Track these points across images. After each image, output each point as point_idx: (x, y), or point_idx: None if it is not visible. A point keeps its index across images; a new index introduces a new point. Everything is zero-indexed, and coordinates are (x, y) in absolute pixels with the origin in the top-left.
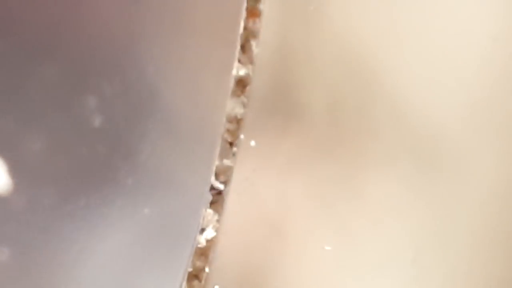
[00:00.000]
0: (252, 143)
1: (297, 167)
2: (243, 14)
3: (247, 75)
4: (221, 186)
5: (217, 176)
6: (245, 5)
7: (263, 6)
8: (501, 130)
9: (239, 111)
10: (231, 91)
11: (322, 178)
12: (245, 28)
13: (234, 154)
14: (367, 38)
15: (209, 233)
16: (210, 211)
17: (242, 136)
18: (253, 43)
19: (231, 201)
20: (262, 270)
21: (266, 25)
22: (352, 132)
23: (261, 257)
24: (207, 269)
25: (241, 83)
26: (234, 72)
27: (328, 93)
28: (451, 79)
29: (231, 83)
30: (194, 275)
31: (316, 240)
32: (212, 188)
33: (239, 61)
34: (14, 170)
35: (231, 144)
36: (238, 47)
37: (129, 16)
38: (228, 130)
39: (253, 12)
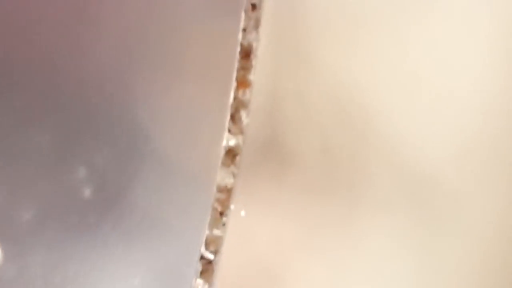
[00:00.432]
0: (243, 213)
1: (291, 217)
2: (233, 84)
3: (237, 145)
4: (211, 256)
5: (207, 246)
6: (235, 75)
7: (253, 77)
8: (497, 175)
9: (229, 181)
10: (221, 161)
11: (316, 226)
12: (235, 98)
13: (224, 224)
14: (359, 82)
15: None
16: (200, 281)
17: (232, 206)
18: (243, 113)
19: (221, 270)
20: None
21: (256, 81)
22: (346, 177)
23: None
24: None
25: (231, 153)
26: (224, 142)
27: (321, 140)
28: (446, 123)
29: (221, 154)
30: None
31: None
32: (202, 257)
33: (229, 131)
34: (5, 239)
35: (221, 213)
36: (228, 117)
37: (120, 92)
38: (218, 200)
39: (243, 82)
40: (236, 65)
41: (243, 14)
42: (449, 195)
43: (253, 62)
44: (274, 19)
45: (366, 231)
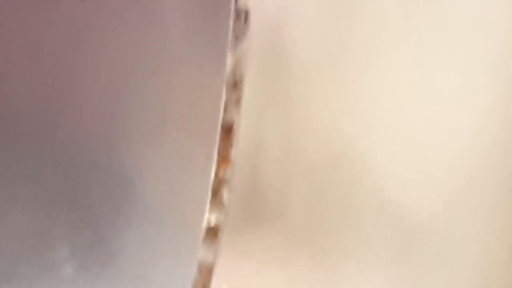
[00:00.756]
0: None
1: (278, 271)
2: (214, 162)
3: (218, 224)
4: None
5: None
6: (216, 152)
7: (233, 154)
8: (485, 223)
9: (210, 259)
10: (202, 239)
11: (304, 276)
12: (216, 176)
13: None
14: (347, 129)
15: None
16: None
17: (214, 283)
18: (225, 191)
19: None
20: None
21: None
22: (332, 225)
23: None
24: None
25: (212, 231)
26: (205, 220)
27: (308, 191)
28: (435, 172)
29: (202, 232)
30: None
31: None
32: None
33: (210, 209)
34: None
35: None
36: (209, 196)
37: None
38: (200, 277)
39: (224, 160)
40: (217, 142)
41: (224, 92)
42: (438, 244)
43: (234, 140)
44: (257, 91)
45: (354, 283)
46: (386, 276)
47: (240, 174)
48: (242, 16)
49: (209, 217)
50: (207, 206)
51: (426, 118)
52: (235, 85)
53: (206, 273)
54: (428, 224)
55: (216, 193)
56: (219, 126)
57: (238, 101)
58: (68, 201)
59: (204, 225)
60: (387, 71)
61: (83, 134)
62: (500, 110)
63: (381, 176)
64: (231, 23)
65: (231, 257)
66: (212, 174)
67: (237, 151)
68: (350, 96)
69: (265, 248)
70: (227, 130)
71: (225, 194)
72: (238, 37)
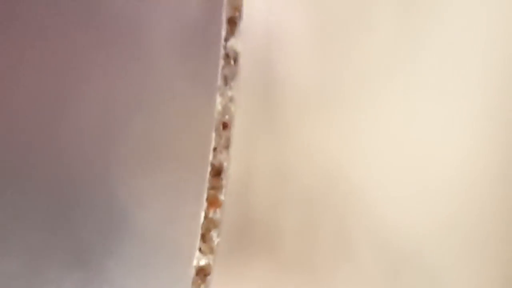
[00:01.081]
0: None
1: None
2: (204, 204)
3: (208, 264)
4: None
5: None
6: (205, 195)
7: (223, 197)
8: (476, 252)
9: None
10: (192, 282)
11: None
12: (205, 218)
13: None
14: (339, 158)
15: None
16: None
17: None
18: (214, 233)
19: None
20: None
21: (233, 157)
22: (324, 253)
23: None
24: None
25: (202, 273)
26: (194, 262)
27: (300, 219)
28: (425, 196)
29: (192, 274)
30: None
31: None
32: None
33: (200, 250)
34: None
35: None
36: (199, 237)
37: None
38: None
39: (214, 202)
40: (206, 184)
41: (213, 133)
42: (428, 269)
43: (224, 182)
44: (247, 132)
45: None
46: None
47: (230, 219)
48: (231, 57)
49: (199, 258)
50: (197, 247)
51: (418, 144)
52: (225, 126)
53: None
54: (421, 248)
55: (205, 234)
56: (209, 168)
57: (227, 143)
58: (57, 242)
59: (193, 266)
60: (379, 98)
61: (77, 169)
62: (491, 137)
63: (374, 202)
64: (220, 65)
65: None
66: (202, 216)
67: (227, 196)
68: (342, 123)
69: (257, 278)
70: (217, 172)
71: (215, 236)
72: (228, 78)
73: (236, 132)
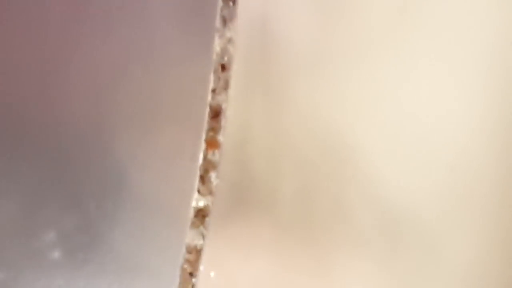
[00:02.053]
0: (212, 274)
1: (266, 266)
2: (202, 145)
3: (207, 206)
4: None
5: None
6: (204, 136)
7: (222, 138)
8: (472, 213)
9: (198, 242)
10: (190, 222)
11: (293, 270)
12: (204, 159)
13: (193, 286)
14: (337, 120)
15: None
16: None
17: (202, 267)
18: (213, 174)
19: None
20: None
21: (229, 119)
22: (322, 215)
23: None
24: None
25: (201, 214)
26: (193, 203)
27: (296, 180)
28: (425, 163)
29: (191, 215)
30: None
31: None
32: None
33: (199, 192)
34: None
35: (191, 274)
36: (197, 178)
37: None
38: (187, 261)
39: (212, 143)
40: (205, 126)
41: (212, 75)
42: (427, 233)
43: (222, 123)
44: (245, 76)
45: (345, 274)
46: (374, 264)
47: (229, 162)
48: None
49: (198, 199)
50: (196, 188)
51: (415, 110)
52: (223, 68)
53: (194, 255)
54: (417, 215)
55: (204, 175)
56: (207, 109)
57: (226, 85)
58: (57, 187)
59: (192, 207)
60: (376, 61)
61: (75, 124)
62: (490, 105)
63: (370, 167)
64: (219, 5)
65: (220, 245)
66: (201, 157)
67: (225, 137)
68: (339, 88)
69: (253, 236)
70: (216, 114)
71: (213, 177)
72: (226, 20)
73: (235, 74)
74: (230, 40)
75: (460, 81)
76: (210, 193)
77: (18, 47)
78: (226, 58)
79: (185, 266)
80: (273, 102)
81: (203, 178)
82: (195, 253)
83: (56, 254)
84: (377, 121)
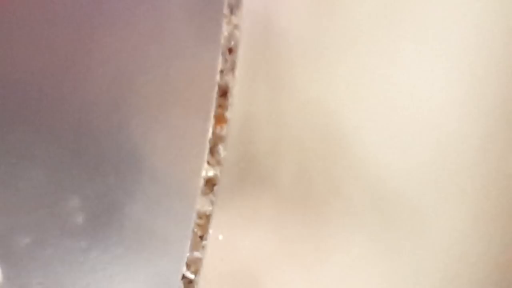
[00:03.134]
0: (220, 237)
1: (268, 234)
2: (211, 121)
3: (215, 175)
4: (191, 276)
5: (188, 267)
6: (213, 112)
7: (229, 114)
8: (454, 192)
9: (208, 208)
10: (200, 191)
11: (292, 239)
12: (213, 133)
13: (203, 247)
14: (332, 102)
15: None
16: None
17: (211, 231)
18: (221, 147)
19: None
20: None
21: (234, 103)
22: (319, 192)
23: None
24: None
25: (210, 183)
26: (203, 173)
27: (297, 161)
28: (412, 143)
29: (201, 183)
30: None
31: None
32: (184, 277)
33: (208, 163)
34: (5, 261)
35: (201, 237)
36: (207, 151)
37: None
38: (198, 225)
39: (220, 119)
40: (214, 103)
41: (220, 57)
42: (411, 208)
43: (230, 101)
44: (250, 60)
45: (339, 245)
46: (365, 236)
47: (235, 136)
48: None
49: (207, 170)
50: (205, 159)
51: (403, 97)
52: (230, 51)
53: (204, 220)
54: (405, 191)
55: (213, 148)
56: (216, 88)
57: (233, 66)
58: (80, 158)
59: (202, 176)
60: (368, 55)
61: (97, 103)
62: (472, 92)
63: (363, 149)
64: None
65: (227, 211)
66: (210, 132)
67: (232, 114)
68: (335, 76)
69: (256, 205)
70: (223, 92)
71: (221, 149)
72: (233, 8)
73: (241, 56)
74: (236, 26)
75: (444, 70)
76: (218, 163)
77: (53, 34)
78: (232, 42)
79: (196, 230)
80: (274, 83)
81: (212, 150)
82: (205, 218)
83: (79, 219)
84: (369, 107)
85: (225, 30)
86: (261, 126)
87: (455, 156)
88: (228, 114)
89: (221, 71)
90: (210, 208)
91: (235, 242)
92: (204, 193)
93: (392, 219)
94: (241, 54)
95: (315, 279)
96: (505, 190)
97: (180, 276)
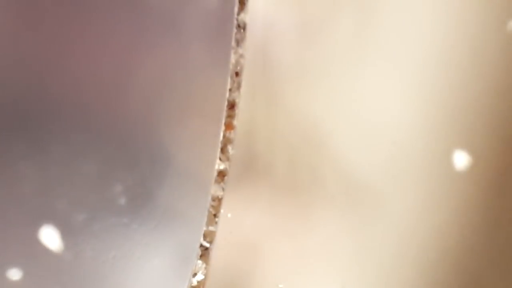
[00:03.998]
0: (229, 215)
1: (266, 213)
2: (222, 127)
3: (225, 168)
4: (207, 244)
5: (204, 237)
6: (223, 121)
7: (236, 122)
8: (410, 177)
9: (219, 193)
10: (214, 180)
11: (285, 217)
12: (223, 137)
13: (216, 222)
14: (315, 114)
15: (199, 277)
16: (199, 261)
17: (222, 210)
18: (229, 147)
19: (214, 254)
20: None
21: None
22: (304, 181)
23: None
24: None
25: (221, 174)
26: (216, 167)
27: (288, 158)
28: (375, 142)
29: (214, 174)
30: None
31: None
32: (201, 245)
33: (220, 159)
34: (65, 233)
35: (214, 215)
36: (219, 150)
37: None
38: (212, 206)
39: (229, 125)
40: (224, 114)
41: (229, 79)
42: (376, 194)
43: (236, 112)
44: (252, 81)
45: (319, 222)
46: (339, 215)
47: (241, 138)
48: (242, 27)
49: (219, 164)
50: (217, 156)
51: (369, 106)
52: (237, 74)
53: (217, 202)
54: (370, 180)
55: (223, 148)
56: (225, 103)
57: (239, 86)
58: (121, 153)
59: (215, 169)
60: (342, 75)
61: (135, 112)
62: (424, 102)
63: (337, 148)
64: (233, 32)
65: (234, 196)
66: (221, 135)
67: (238, 122)
68: (316, 92)
69: (256, 191)
70: (231, 106)
71: (230, 149)
72: (239, 41)
73: (245, 78)
74: (241, 55)
75: (400, 88)
76: (228, 159)
77: (91, 57)
78: (238, 67)
79: (210, 209)
80: (270, 98)
81: (223, 150)
82: (217, 201)
83: (122, 201)
84: (343, 115)
85: (233, 58)
86: (260, 131)
87: (408, 153)
88: (235, 122)
89: (230, 90)
90: (222, 193)
91: (241, 219)
92: (217, 182)
93: (359, 202)
94: (245, 77)
95: (301, 246)
96: (446, 179)
97: (198, 245)
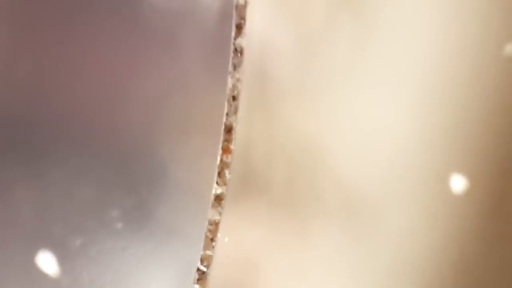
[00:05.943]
0: (226, 239)
1: (265, 230)
2: (219, 151)
3: (222, 193)
4: (204, 269)
5: (201, 262)
6: (220, 145)
7: (233, 146)
8: (405, 193)
9: (217, 217)
10: (211, 204)
11: (284, 234)
12: (221, 161)
13: (213, 247)
14: (313, 131)
15: None
16: (196, 286)
17: (219, 235)
18: (226, 171)
19: (211, 278)
20: None
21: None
22: (302, 196)
23: None
24: None
25: (218, 198)
26: (213, 191)
27: (285, 172)
28: (373, 158)
29: (211, 199)
30: None
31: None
32: (198, 269)
33: (217, 183)
34: (62, 258)
35: (211, 240)
36: (216, 174)
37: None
38: (209, 230)
39: (226, 149)
40: (221, 138)
41: (226, 103)
42: (374, 208)
43: (233, 136)
44: (248, 105)
45: (318, 238)
46: (337, 230)
47: (238, 163)
48: (239, 51)
49: (216, 188)
50: (215, 181)
51: (366, 123)
52: (234, 98)
53: (214, 226)
54: (368, 195)
55: (221, 172)
56: (223, 127)
57: (236, 110)
58: (119, 176)
59: (212, 193)
60: (343, 90)
61: (132, 132)
62: (420, 120)
63: (336, 163)
64: (230, 56)
65: (231, 219)
66: (218, 160)
67: (235, 146)
68: (314, 108)
69: (254, 213)
70: (229, 130)
71: (227, 173)
72: (236, 66)
73: (242, 102)
74: (238, 80)
75: (398, 105)
76: (225, 184)
77: (90, 80)
78: (236, 92)
79: (208, 233)
80: (268, 120)
81: (220, 174)
82: (215, 225)
83: (119, 225)
84: (341, 131)
85: (230, 83)
86: (258, 150)
87: (404, 168)
88: (232, 146)
89: (227, 114)
90: (219, 217)
91: (238, 242)
92: (214, 206)
93: (357, 216)
94: (242, 101)
95: (300, 262)
96: (443, 199)
97: (195, 269)
